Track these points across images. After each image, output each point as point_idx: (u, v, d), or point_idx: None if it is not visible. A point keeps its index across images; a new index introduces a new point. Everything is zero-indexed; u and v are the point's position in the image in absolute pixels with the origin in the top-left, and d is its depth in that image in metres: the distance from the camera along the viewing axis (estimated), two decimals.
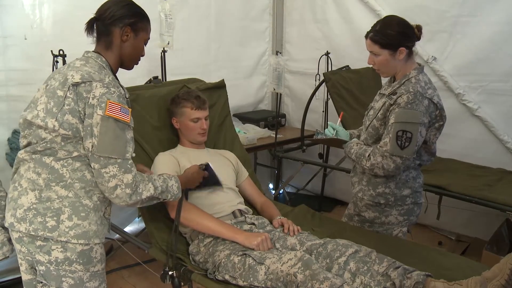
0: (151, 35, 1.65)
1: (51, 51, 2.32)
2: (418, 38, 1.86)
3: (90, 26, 1.54)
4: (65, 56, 2.31)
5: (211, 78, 2.52)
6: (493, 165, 2.90)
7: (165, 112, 2.17)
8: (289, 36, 3.94)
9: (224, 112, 2.45)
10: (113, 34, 1.52)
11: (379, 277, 1.50)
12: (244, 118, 3.62)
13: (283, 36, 3.96)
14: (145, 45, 1.62)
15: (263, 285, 1.54)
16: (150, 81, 2.31)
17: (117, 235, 2.31)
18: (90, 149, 1.41)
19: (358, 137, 2.14)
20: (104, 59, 1.52)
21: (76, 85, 1.39)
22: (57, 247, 1.41)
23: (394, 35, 1.81)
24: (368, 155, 1.88)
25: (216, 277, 1.66)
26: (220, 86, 2.44)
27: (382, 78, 3.08)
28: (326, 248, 1.66)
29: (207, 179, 1.88)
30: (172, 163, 1.97)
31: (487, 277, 1.38)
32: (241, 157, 2.30)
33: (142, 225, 3.08)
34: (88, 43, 1.58)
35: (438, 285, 1.45)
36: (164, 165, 1.95)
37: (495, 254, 2.39)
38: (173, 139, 2.18)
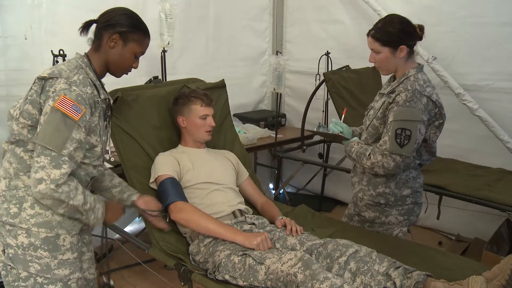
0: (151, 35, 1.63)
1: (51, 51, 2.32)
2: (420, 38, 1.86)
3: (85, 26, 1.56)
4: (65, 56, 2.30)
5: (211, 78, 2.51)
6: (493, 165, 2.90)
7: (165, 112, 2.17)
8: (289, 36, 3.94)
9: (224, 112, 2.45)
10: (103, 38, 1.54)
11: (380, 277, 1.50)
12: (244, 118, 3.61)
13: (283, 36, 3.96)
14: (137, 58, 1.60)
15: (263, 285, 1.54)
16: (150, 81, 2.31)
17: (117, 235, 2.31)
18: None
19: (360, 134, 2.14)
20: (86, 60, 1.53)
21: (43, 79, 1.43)
22: (22, 232, 1.45)
23: (395, 32, 1.82)
24: (369, 154, 1.88)
25: (216, 277, 1.66)
26: (220, 86, 2.44)
27: (382, 78, 3.11)
28: (326, 248, 1.66)
29: None
30: (172, 163, 1.97)
31: (487, 277, 1.38)
32: (241, 157, 2.30)
33: (142, 225, 3.07)
34: (86, 43, 1.58)
35: (438, 285, 1.45)
36: (164, 165, 1.95)
37: (495, 254, 2.38)
38: (173, 139, 2.18)
